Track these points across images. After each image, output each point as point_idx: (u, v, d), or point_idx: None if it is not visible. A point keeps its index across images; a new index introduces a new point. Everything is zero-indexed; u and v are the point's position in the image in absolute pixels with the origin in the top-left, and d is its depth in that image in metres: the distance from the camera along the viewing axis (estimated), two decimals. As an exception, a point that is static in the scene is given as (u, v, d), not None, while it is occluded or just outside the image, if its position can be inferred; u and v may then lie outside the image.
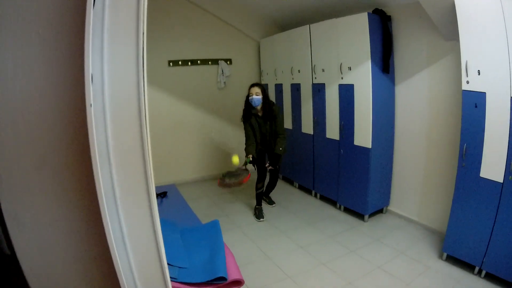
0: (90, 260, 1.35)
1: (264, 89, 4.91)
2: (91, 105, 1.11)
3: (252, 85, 4.90)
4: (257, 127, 4.98)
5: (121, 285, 1.22)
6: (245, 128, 5.05)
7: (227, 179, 4.55)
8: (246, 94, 4.93)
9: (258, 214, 5.31)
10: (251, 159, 4.77)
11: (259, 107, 4.90)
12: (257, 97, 4.79)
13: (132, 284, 1.25)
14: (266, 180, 5.41)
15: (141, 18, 1.19)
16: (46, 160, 1.23)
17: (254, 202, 5.48)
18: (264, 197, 5.81)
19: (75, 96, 1.20)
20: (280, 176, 7.15)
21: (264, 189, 5.49)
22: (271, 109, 4.90)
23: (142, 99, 1.16)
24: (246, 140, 5.04)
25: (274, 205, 5.79)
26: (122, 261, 1.22)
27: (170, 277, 2.29)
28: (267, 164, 5.10)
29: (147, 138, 1.18)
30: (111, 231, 1.17)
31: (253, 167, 4.73)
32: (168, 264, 2.38)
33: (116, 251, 1.19)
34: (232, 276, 2.42)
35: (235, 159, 4.68)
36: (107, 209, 1.16)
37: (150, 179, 1.20)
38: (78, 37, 1.15)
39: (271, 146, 5.07)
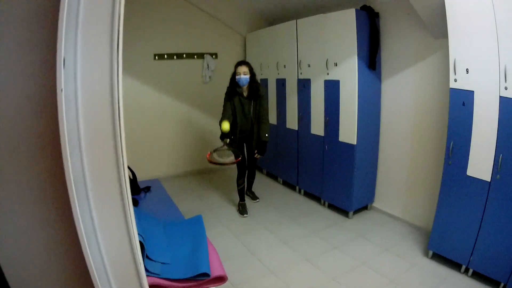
0: (62, 249, 1.30)
1: (251, 68, 4.80)
2: (62, 90, 1.05)
3: (240, 63, 4.77)
4: (240, 108, 4.83)
5: (92, 277, 1.17)
6: (224, 105, 4.83)
7: (217, 156, 4.40)
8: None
9: (242, 209, 5.27)
10: (228, 142, 4.44)
11: (245, 87, 4.78)
12: (244, 76, 4.67)
13: (104, 276, 1.20)
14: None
15: (117, 0, 1.13)
16: (19, 148, 1.18)
17: (238, 198, 5.43)
18: (247, 192, 5.77)
19: (47, 82, 1.14)
20: (264, 171, 7.13)
21: (245, 184, 5.43)
22: (257, 89, 4.81)
23: (116, 85, 1.11)
24: (222, 116, 4.75)
25: (258, 200, 5.77)
26: (93, 252, 1.16)
27: (153, 273, 2.25)
28: (256, 153, 5.00)
29: (119, 125, 1.13)
30: (80, 221, 1.11)
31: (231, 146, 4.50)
32: (150, 259, 2.35)
33: (86, 241, 1.13)
34: (215, 272, 2.39)
35: (225, 126, 4.39)
36: (76, 198, 1.10)
37: (122, 167, 1.14)
38: (51, 20, 1.10)
39: (254, 132, 4.96)
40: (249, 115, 4.85)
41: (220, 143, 4.37)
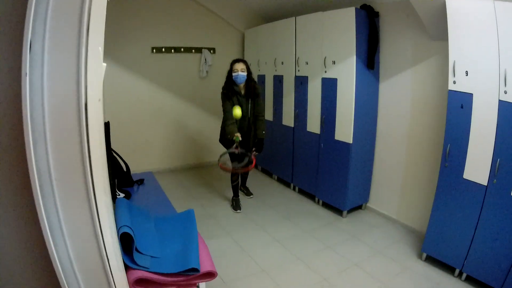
0: (27, 245, 1.25)
1: (248, 65, 4.73)
2: (26, 74, 1.00)
3: (237, 61, 4.68)
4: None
5: (57, 272, 1.12)
6: (224, 106, 4.69)
7: (229, 162, 4.44)
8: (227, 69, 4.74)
9: (235, 205, 5.25)
10: (240, 138, 4.43)
11: (242, 85, 4.71)
12: (242, 73, 4.58)
13: (71, 270, 1.15)
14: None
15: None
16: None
17: (231, 194, 5.40)
18: (241, 188, 5.74)
19: (12, 68, 1.09)
20: (259, 167, 7.10)
21: (239, 181, 5.41)
22: (255, 87, 4.77)
23: (83, 72, 1.05)
24: (225, 120, 4.67)
25: (252, 196, 5.71)
26: (58, 248, 1.11)
27: (142, 267, 2.22)
28: (253, 149, 4.90)
29: (84, 115, 1.06)
30: (44, 216, 1.06)
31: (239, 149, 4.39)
32: (140, 252, 2.31)
33: (50, 236, 1.08)
34: (204, 267, 2.36)
35: (237, 111, 4.33)
36: (39, 190, 1.05)
37: (87, 160, 1.08)
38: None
39: (251, 130, 4.92)
40: (247, 114, 4.79)
41: (218, 148, 4.33)
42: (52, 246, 1.08)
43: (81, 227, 1.13)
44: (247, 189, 5.82)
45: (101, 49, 1.38)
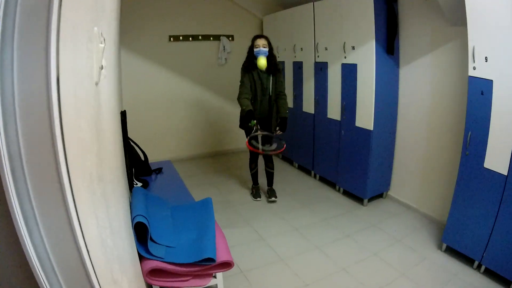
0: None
1: (269, 41, 4.64)
2: None
3: (259, 36, 4.63)
4: (259, 82, 4.62)
5: (32, 267, 1.08)
6: (242, 79, 4.61)
7: (260, 145, 4.36)
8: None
9: (255, 193, 5.21)
10: (255, 122, 4.31)
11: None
12: (264, 49, 4.51)
13: (49, 265, 1.11)
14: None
15: None
16: None
17: (251, 182, 5.37)
18: (268, 190, 5.26)
19: None
20: (280, 155, 7.08)
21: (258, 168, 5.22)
22: (275, 62, 4.69)
23: (53, 43, 0.99)
24: (240, 93, 4.57)
25: (274, 200, 5.11)
26: (33, 240, 1.07)
27: (157, 257, 2.22)
28: (277, 129, 4.66)
29: (56, 92, 0.99)
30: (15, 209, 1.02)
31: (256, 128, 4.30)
32: (155, 242, 2.31)
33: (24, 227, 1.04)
34: (221, 257, 2.35)
35: (261, 62, 4.40)
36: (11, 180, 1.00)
37: (59, 146, 1.02)
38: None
39: (273, 107, 4.76)
40: (268, 91, 4.68)
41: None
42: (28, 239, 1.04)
43: (55, 219, 1.08)
44: (271, 191, 5.21)
45: (97, 29, 1.34)
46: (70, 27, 1.05)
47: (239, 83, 4.63)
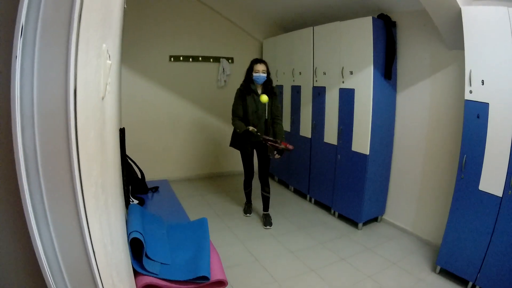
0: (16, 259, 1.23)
1: (268, 66, 4.72)
2: (17, 57, 0.98)
3: (258, 61, 4.70)
4: (254, 106, 4.67)
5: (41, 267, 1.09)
6: (236, 102, 4.73)
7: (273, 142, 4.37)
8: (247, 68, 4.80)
9: (246, 209, 5.35)
10: (256, 129, 4.52)
11: (260, 85, 4.72)
12: (263, 74, 4.61)
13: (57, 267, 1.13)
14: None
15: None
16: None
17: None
18: (263, 215, 5.19)
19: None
20: (276, 178, 7.09)
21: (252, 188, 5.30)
22: (271, 87, 4.77)
23: (72, 62, 1.02)
24: (233, 116, 4.73)
25: (268, 227, 4.98)
26: (43, 239, 1.09)
27: (151, 273, 2.22)
28: (275, 153, 4.54)
29: (70, 102, 1.02)
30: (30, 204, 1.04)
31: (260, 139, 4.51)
32: (150, 259, 2.31)
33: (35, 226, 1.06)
34: (215, 276, 2.35)
35: (264, 98, 4.41)
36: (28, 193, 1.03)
37: (73, 151, 1.05)
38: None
39: (269, 131, 4.79)
40: (263, 114, 4.71)
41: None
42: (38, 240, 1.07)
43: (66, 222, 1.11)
44: (267, 216, 5.13)
45: (105, 46, 1.37)
46: (85, 42, 1.09)
47: (232, 106, 4.80)
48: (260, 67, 4.62)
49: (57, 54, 1.01)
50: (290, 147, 4.30)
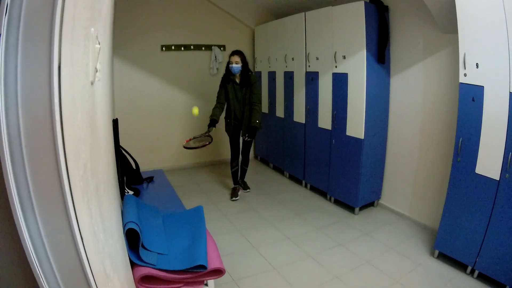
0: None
1: (244, 57, 5.12)
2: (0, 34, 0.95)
3: (233, 53, 5.11)
4: (233, 93, 5.23)
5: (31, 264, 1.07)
6: (219, 91, 5.35)
7: (192, 142, 4.76)
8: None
9: (232, 193, 5.55)
10: (212, 129, 5.08)
11: (237, 74, 5.15)
12: (236, 65, 5.04)
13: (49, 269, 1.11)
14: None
15: None
16: None
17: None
18: (239, 181, 5.80)
19: None
20: (271, 165, 7.09)
21: (239, 168, 5.66)
22: (248, 76, 5.13)
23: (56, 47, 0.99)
24: (216, 102, 5.35)
25: (248, 190, 5.88)
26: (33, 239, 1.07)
27: (148, 264, 2.20)
28: (246, 136, 5.21)
29: (54, 78, 1.00)
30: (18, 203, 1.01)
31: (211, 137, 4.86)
32: (146, 249, 2.29)
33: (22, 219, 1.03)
34: (212, 264, 2.33)
35: (195, 110, 4.71)
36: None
37: (57, 131, 1.02)
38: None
39: (246, 117, 5.25)
40: (241, 101, 5.26)
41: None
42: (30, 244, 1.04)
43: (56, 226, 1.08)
44: (244, 183, 5.94)
45: (93, 30, 1.34)
46: (71, 19, 1.06)
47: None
48: (233, 58, 5.07)
49: (40, 29, 0.98)
50: (207, 143, 4.72)
